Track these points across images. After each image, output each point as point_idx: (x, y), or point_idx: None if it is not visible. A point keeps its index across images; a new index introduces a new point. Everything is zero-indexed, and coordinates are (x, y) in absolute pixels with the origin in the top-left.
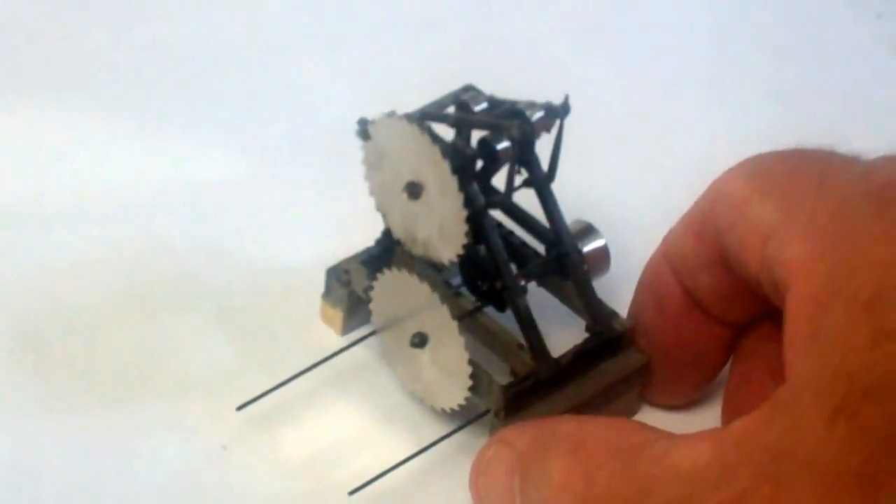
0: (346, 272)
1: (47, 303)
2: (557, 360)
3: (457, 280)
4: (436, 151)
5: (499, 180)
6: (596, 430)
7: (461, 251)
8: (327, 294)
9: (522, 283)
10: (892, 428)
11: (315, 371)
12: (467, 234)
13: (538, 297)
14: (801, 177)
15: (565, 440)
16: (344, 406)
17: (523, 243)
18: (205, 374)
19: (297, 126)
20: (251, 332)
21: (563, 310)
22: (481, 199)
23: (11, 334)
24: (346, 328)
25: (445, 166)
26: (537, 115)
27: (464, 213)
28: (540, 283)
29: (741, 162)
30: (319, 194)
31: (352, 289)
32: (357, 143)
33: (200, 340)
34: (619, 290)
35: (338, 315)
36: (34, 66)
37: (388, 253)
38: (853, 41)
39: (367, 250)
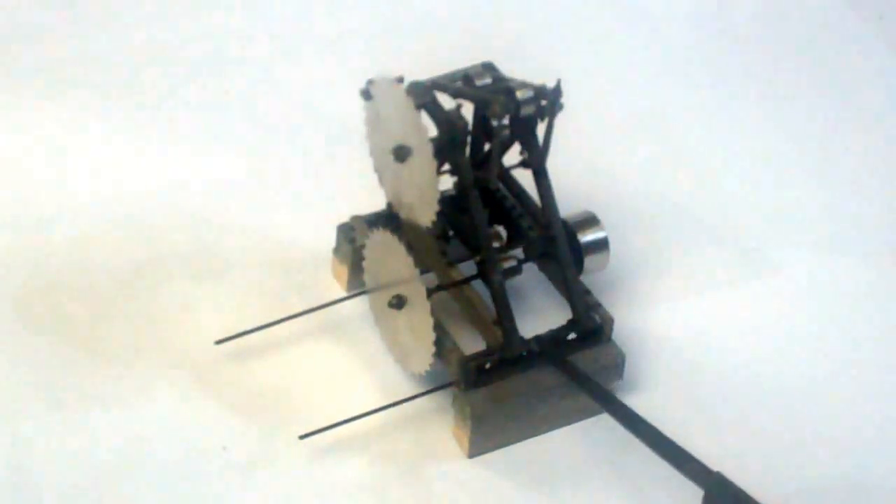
0: (353, 229)
1: (55, 277)
2: (527, 342)
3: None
4: (417, 117)
5: (509, 159)
6: None
7: (434, 217)
8: (336, 250)
9: (514, 261)
10: None
11: (310, 322)
12: (440, 202)
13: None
14: None
15: None
16: (324, 356)
17: (521, 215)
18: (202, 316)
19: (299, 120)
20: (258, 287)
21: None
22: (470, 174)
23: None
24: (352, 284)
25: (425, 132)
26: (526, 93)
27: (437, 179)
28: (541, 268)
29: None
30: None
31: (356, 246)
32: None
33: (204, 297)
34: (619, 284)
35: (344, 270)
36: (36, 68)
37: (396, 217)
38: (854, 41)
39: (377, 212)
